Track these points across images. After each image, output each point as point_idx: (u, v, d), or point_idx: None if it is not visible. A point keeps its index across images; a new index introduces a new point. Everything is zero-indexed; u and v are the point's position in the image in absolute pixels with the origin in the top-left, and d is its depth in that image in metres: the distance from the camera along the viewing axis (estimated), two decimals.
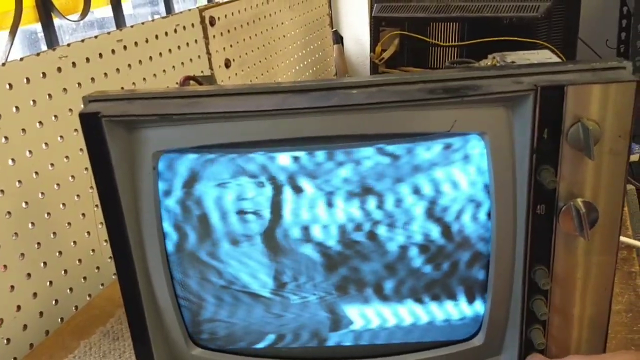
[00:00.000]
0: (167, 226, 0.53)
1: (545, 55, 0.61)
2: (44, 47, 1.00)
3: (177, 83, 1.00)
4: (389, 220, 0.51)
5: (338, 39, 1.72)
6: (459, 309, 0.54)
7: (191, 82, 0.59)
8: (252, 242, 0.52)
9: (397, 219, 0.51)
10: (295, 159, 0.49)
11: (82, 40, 0.83)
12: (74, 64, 0.81)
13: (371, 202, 0.50)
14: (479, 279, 0.53)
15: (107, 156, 0.49)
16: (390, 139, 0.49)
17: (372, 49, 1.27)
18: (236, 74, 1.19)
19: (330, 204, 0.50)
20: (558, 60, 0.62)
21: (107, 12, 1.10)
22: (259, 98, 0.50)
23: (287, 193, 0.50)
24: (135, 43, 0.93)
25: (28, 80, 0.74)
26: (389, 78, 0.50)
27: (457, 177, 0.50)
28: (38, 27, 0.96)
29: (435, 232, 0.51)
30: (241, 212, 0.51)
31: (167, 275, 0.54)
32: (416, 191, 0.50)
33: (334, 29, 1.65)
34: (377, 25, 1.27)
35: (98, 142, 0.49)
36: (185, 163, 0.51)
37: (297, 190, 0.50)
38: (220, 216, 0.52)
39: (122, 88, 0.91)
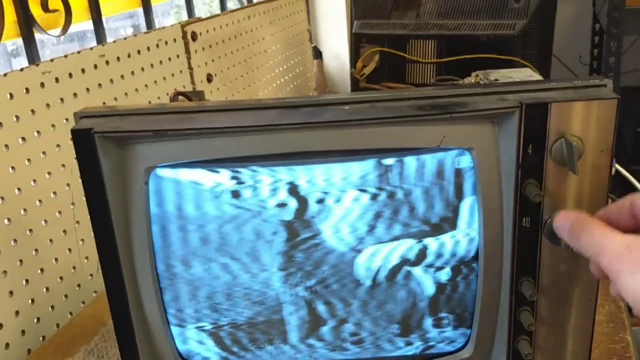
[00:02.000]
0: (158, 241, 0.52)
1: (526, 74, 0.63)
2: (18, 63, 0.99)
3: (166, 94, 1.00)
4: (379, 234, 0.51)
5: (317, 54, 1.74)
6: (448, 321, 0.55)
7: (180, 97, 0.60)
8: (244, 257, 0.52)
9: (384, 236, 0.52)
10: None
11: (65, 56, 0.82)
12: (57, 79, 0.81)
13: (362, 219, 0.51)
14: (467, 291, 0.54)
15: (99, 172, 0.49)
16: (381, 154, 0.50)
17: (353, 65, 1.28)
18: (218, 88, 1.19)
19: (320, 220, 0.51)
20: (539, 78, 0.64)
21: (87, 24, 1.09)
22: (252, 113, 0.50)
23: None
24: (118, 58, 0.93)
25: (11, 95, 0.74)
26: (379, 95, 0.51)
27: (446, 191, 0.51)
28: (14, 41, 0.95)
29: (425, 248, 0.52)
30: (232, 226, 0.51)
31: (156, 291, 0.54)
32: (408, 207, 0.51)
33: (313, 45, 1.67)
34: (357, 42, 1.29)
35: (90, 158, 0.49)
36: (177, 178, 0.51)
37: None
38: (211, 231, 0.52)
39: (104, 103, 0.90)
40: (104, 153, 0.49)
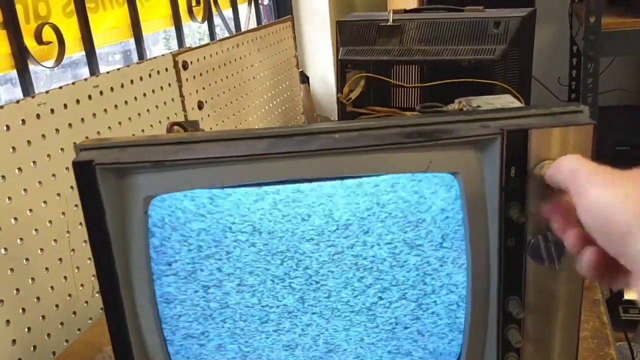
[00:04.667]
0: (157, 270, 0.54)
1: (507, 100, 0.66)
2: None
3: (159, 122, 1.02)
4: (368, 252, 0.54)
5: (304, 79, 1.77)
6: (437, 339, 0.57)
7: (176, 127, 0.62)
8: (244, 287, 0.54)
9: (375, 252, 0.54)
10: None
11: (60, 87, 0.84)
12: (52, 110, 0.82)
13: (351, 235, 0.53)
14: (456, 310, 0.56)
15: (99, 202, 0.51)
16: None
17: (340, 90, 1.31)
18: (208, 115, 1.21)
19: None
20: (519, 104, 0.67)
21: (79, 53, 1.11)
22: (246, 143, 0.53)
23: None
24: (111, 88, 0.95)
25: (8, 127, 0.75)
26: (368, 123, 0.53)
27: (435, 214, 0.53)
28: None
29: (413, 265, 0.54)
30: (232, 257, 0.53)
31: (156, 320, 0.55)
32: (396, 227, 0.53)
33: (300, 70, 1.71)
34: (343, 68, 1.32)
35: (91, 189, 0.51)
36: (175, 207, 0.53)
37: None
38: (211, 260, 0.54)
39: (98, 133, 0.92)
40: (104, 184, 0.51)
